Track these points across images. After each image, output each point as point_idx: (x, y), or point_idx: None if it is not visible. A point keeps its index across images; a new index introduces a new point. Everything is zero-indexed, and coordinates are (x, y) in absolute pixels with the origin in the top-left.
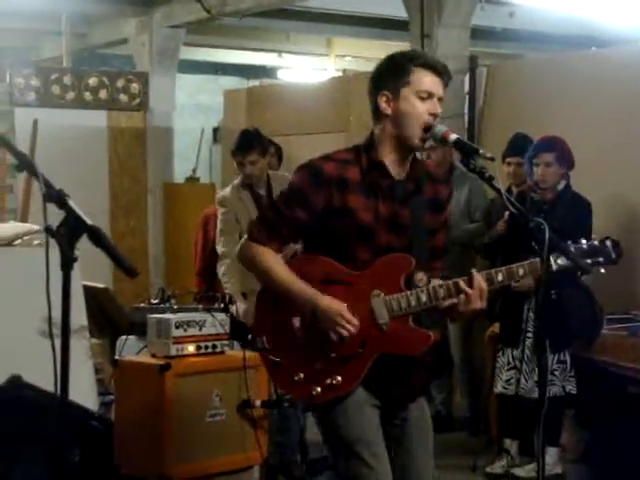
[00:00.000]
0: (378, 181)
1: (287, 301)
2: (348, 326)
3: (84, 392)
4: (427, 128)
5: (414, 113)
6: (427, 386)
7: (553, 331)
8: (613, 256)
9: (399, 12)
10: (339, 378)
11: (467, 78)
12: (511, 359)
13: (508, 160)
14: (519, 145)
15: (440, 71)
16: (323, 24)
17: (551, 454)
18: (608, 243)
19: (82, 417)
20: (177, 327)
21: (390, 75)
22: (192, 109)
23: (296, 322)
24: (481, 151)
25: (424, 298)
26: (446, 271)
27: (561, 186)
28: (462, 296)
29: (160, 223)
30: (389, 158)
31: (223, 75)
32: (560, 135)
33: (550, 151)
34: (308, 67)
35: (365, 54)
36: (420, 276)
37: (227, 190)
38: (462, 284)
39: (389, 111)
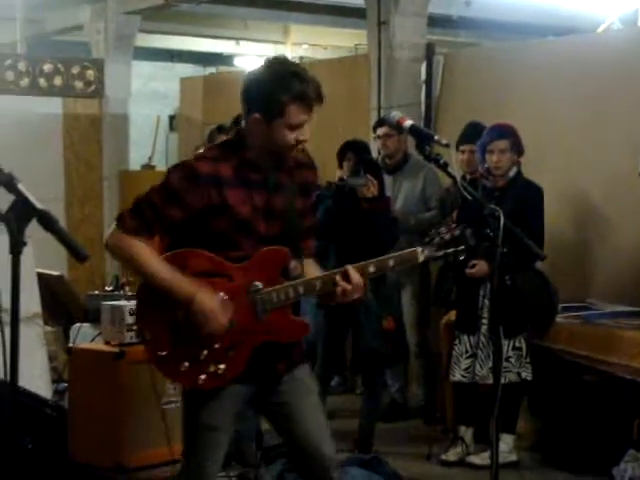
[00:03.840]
0: (250, 176)
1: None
2: (215, 326)
3: (37, 379)
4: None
5: (283, 142)
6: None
7: (507, 317)
8: (472, 243)
9: (356, 0)
10: (222, 366)
11: (424, 66)
12: (468, 347)
13: (462, 148)
14: (472, 133)
15: (313, 103)
16: (280, 11)
17: (507, 441)
18: (468, 232)
19: (35, 404)
20: (131, 314)
21: (264, 102)
22: (148, 96)
23: (180, 314)
24: (436, 137)
25: (301, 290)
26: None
27: (513, 173)
28: (339, 289)
29: (116, 210)
30: (259, 154)
31: (179, 62)
32: (516, 123)
33: (504, 138)
34: (265, 55)
35: (322, 42)
36: (294, 264)
37: None
38: (338, 279)
39: (259, 133)
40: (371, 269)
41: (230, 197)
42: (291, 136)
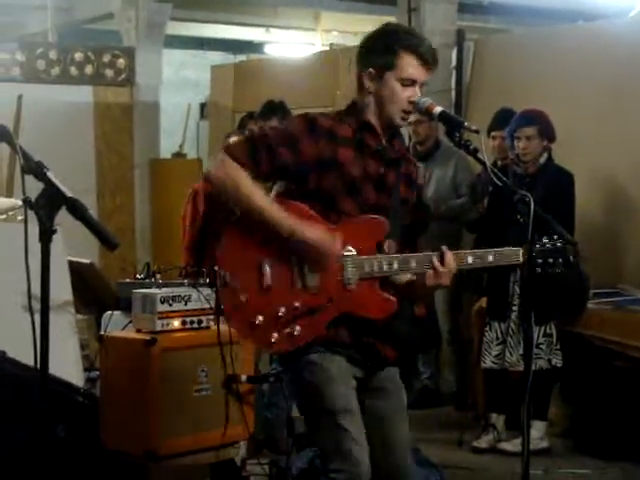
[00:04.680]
0: (368, 140)
1: (260, 240)
2: (331, 249)
3: (69, 368)
4: (406, 114)
5: (394, 99)
6: (404, 356)
7: (538, 303)
8: (571, 259)
9: None
10: (298, 328)
11: (454, 52)
12: (499, 334)
13: (493, 134)
14: (504, 119)
15: (427, 59)
16: None
17: (538, 428)
18: (569, 247)
19: (67, 393)
20: (162, 302)
21: (377, 54)
22: (179, 84)
23: (266, 265)
24: (466, 123)
25: (395, 265)
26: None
27: (543, 159)
28: (430, 271)
29: (147, 199)
30: (375, 118)
31: (210, 50)
32: (547, 109)
33: (531, 125)
34: (295, 42)
35: (352, 29)
36: (390, 244)
37: None
38: (434, 259)
39: (372, 89)
40: (469, 260)
41: (341, 155)
42: (403, 94)
